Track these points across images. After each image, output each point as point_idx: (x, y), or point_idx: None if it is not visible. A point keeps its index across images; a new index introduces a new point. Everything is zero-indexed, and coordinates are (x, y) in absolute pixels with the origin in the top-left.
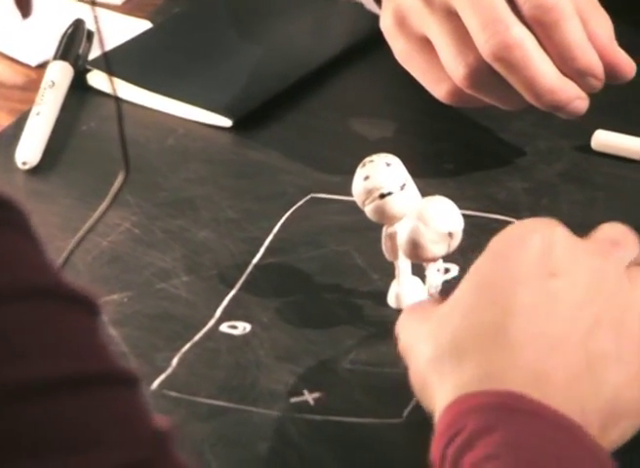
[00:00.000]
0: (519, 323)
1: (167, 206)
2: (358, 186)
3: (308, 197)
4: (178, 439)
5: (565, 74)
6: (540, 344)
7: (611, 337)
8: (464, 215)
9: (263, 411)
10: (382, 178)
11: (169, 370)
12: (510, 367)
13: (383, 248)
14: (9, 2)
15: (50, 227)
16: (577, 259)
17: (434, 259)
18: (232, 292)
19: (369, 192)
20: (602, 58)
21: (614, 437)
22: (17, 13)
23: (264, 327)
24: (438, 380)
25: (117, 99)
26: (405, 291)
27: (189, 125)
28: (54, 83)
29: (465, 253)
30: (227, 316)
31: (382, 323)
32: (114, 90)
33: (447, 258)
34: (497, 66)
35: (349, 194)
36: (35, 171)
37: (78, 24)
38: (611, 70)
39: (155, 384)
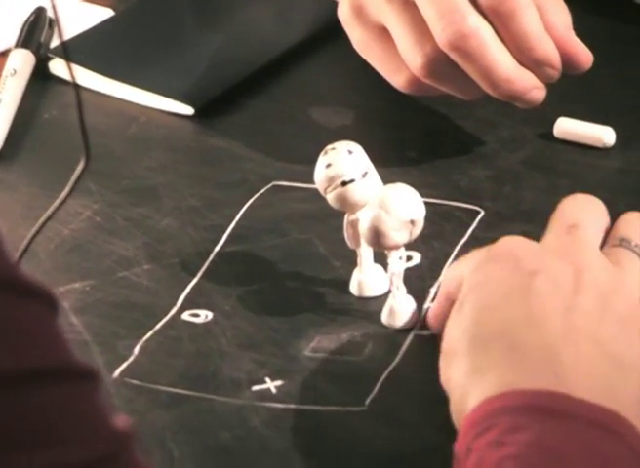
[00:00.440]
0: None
1: (129, 194)
2: (320, 174)
3: (270, 185)
4: (137, 437)
5: (522, 64)
6: (547, 346)
7: (612, 322)
8: (426, 203)
9: (225, 400)
10: (344, 166)
11: (131, 359)
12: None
13: (345, 235)
14: None
15: (12, 215)
16: (547, 261)
17: (396, 247)
18: (194, 281)
19: (331, 180)
20: (559, 47)
21: None
22: None
23: (226, 315)
24: (479, 379)
25: (76, 87)
26: (367, 278)
27: (151, 113)
28: (15, 71)
29: (427, 241)
30: (189, 304)
31: (344, 310)
32: (73, 77)
33: (409, 246)
34: (453, 56)
35: (311, 182)
36: None
37: (40, 12)
38: (568, 60)
39: (117, 372)
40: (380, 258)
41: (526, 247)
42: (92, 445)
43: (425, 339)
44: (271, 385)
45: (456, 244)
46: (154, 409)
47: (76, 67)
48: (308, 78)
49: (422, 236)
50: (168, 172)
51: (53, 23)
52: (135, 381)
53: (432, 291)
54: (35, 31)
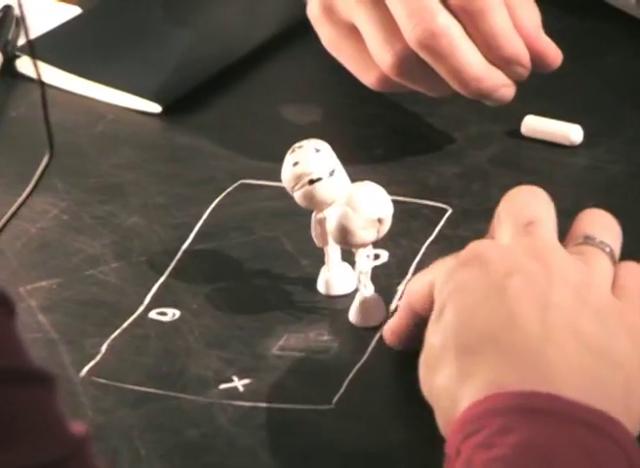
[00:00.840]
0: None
1: (96, 192)
2: (287, 172)
3: (238, 183)
4: (92, 442)
5: (491, 62)
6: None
7: (591, 316)
8: (394, 201)
9: (192, 398)
10: (312, 164)
11: (98, 357)
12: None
13: (313, 233)
14: None
15: None
16: (518, 262)
17: (364, 245)
18: (162, 279)
19: (298, 178)
20: (528, 46)
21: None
22: None
23: (194, 313)
24: (468, 384)
25: (42, 84)
26: (334, 276)
27: (119, 111)
28: None
29: (395, 239)
30: (157, 302)
31: (312, 309)
32: (39, 75)
33: (376, 244)
34: (423, 54)
35: (279, 180)
36: None
37: (7, 10)
38: (537, 59)
39: (84, 371)
40: (348, 257)
41: (494, 250)
42: (46, 447)
43: None
44: (239, 384)
45: (423, 242)
46: (121, 407)
47: (43, 65)
48: (277, 76)
49: (390, 234)
50: (135, 169)
51: (20, 22)
52: (102, 380)
53: (400, 289)
54: (2, 30)
